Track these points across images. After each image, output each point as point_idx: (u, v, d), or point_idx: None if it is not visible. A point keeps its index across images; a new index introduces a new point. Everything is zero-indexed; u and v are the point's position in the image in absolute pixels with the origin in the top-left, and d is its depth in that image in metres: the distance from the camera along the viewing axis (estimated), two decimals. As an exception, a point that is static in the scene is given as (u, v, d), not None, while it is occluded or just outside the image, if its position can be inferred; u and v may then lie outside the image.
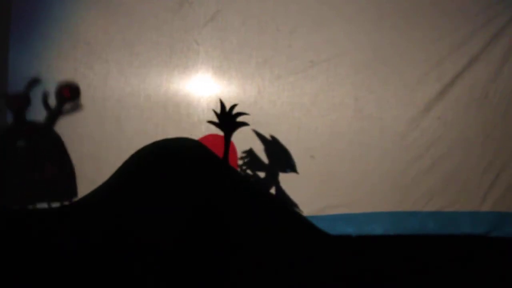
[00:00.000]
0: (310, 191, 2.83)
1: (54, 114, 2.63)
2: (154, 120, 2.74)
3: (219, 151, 2.75)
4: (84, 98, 2.70)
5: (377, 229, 2.84)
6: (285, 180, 2.84)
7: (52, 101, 2.66)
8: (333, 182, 2.82)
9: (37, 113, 2.67)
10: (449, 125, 2.85)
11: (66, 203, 2.65)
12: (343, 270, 2.53)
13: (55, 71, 2.68)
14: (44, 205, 2.65)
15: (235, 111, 2.73)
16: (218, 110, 2.73)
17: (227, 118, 2.75)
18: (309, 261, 2.57)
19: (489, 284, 2.51)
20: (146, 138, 2.70)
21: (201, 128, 2.76)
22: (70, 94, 2.61)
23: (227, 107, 2.73)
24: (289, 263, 2.52)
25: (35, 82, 2.60)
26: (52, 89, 2.66)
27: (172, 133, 2.74)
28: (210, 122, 2.74)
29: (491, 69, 2.83)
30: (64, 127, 2.70)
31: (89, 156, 2.71)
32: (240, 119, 2.76)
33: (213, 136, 2.76)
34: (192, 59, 2.75)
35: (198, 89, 2.76)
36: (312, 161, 2.82)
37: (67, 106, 2.64)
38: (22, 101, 2.61)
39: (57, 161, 2.67)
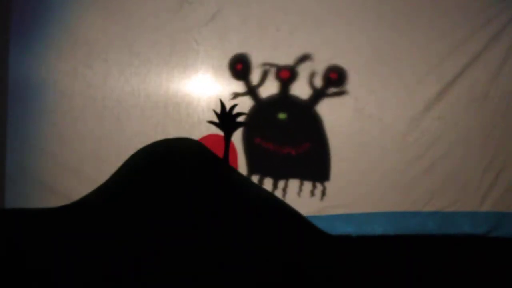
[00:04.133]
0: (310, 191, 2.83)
1: (318, 94, 2.64)
2: (154, 120, 2.74)
3: (219, 151, 2.75)
4: (84, 98, 2.71)
5: (377, 229, 2.84)
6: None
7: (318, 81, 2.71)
8: (333, 182, 2.82)
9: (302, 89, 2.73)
10: (449, 125, 2.84)
11: (319, 184, 2.67)
12: (343, 270, 2.53)
13: (55, 71, 2.68)
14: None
15: (235, 111, 2.73)
16: (218, 110, 2.73)
17: (227, 118, 2.75)
18: (309, 261, 2.57)
19: (489, 284, 2.51)
20: (146, 138, 2.70)
21: (201, 128, 2.76)
22: (337, 77, 2.60)
23: (227, 107, 2.73)
24: (289, 263, 2.52)
25: (304, 58, 2.64)
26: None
27: (172, 133, 2.74)
28: (210, 122, 2.74)
29: (491, 69, 2.82)
30: (64, 126, 2.71)
31: (89, 155, 2.71)
32: (240, 119, 2.76)
33: (213, 136, 2.76)
34: (192, 58, 2.75)
35: (198, 89, 2.76)
36: (312, 161, 2.81)
37: (332, 89, 2.67)
38: (288, 73, 2.64)
39: (313, 138, 2.70)
